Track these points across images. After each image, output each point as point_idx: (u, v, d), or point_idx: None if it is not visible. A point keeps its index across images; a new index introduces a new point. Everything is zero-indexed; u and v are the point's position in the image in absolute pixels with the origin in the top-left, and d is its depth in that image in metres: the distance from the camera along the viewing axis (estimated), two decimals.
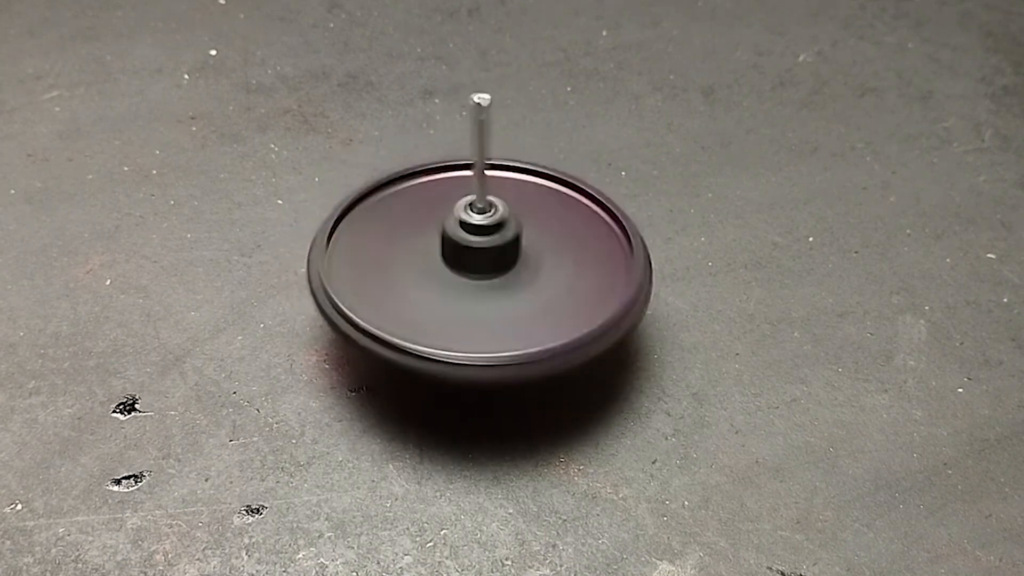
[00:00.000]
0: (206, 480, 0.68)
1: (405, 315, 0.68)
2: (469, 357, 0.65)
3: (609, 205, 0.75)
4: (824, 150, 0.97)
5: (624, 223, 0.74)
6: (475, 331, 0.68)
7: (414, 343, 0.65)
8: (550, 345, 0.65)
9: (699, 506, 0.68)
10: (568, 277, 0.72)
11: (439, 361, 0.65)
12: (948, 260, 0.86)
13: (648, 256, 0.73)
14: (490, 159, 0.70)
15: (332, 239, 0.73)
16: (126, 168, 0.91)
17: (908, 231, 0.88)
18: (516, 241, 0.71)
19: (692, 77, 1.04)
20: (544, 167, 0.79)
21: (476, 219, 0.70)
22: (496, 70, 1.04)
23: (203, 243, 0.84)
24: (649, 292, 0.71)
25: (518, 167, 0.79)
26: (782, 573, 0.65)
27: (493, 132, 0.96)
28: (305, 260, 0.72)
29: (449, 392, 0.73)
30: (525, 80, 1.03)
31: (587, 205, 0.77)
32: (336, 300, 0.68)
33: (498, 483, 0.69)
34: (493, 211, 0.70)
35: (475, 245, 0.70)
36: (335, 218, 0.73)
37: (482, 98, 0.65)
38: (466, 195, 0.70)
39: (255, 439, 0.71)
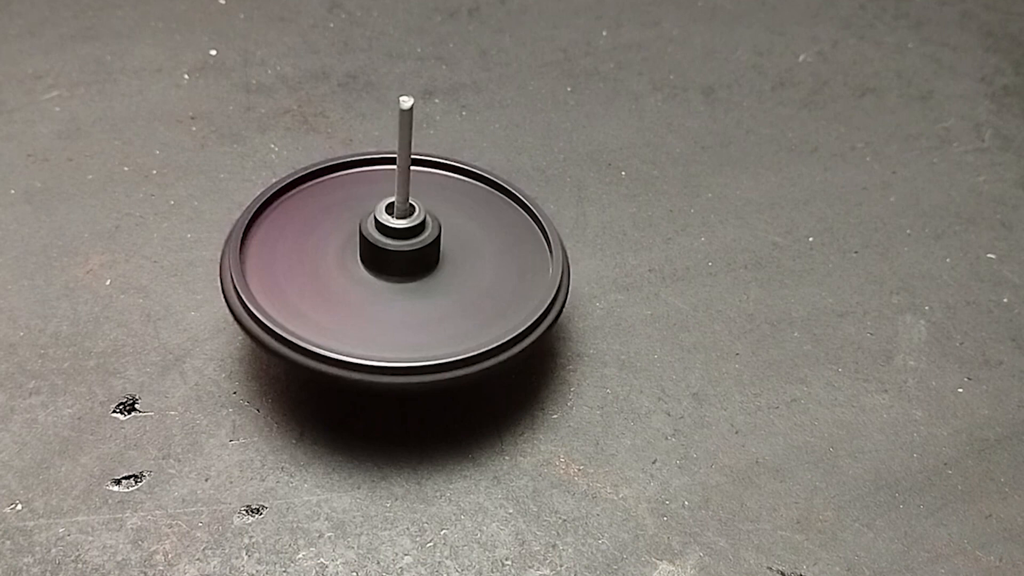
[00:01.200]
0: (206, 480, 0.68)
1: (323, 319, 0.67)
2: (386, 362, 0.64)
3: (528, 203, 0.75)
4: (824, 150, 0.97)
5: (542, 221, 0.74)
6: (394, 335, 0.67)
7: (330, 349, 0.64)
8: (468, 349, 0.65)
9: (699, 506, 0.68)
10: (488, 277, 0.72)
11: (355, 366, 0.64)
12: (948, 260, 0.86)
13: (565, 254, 0.72)
14: (413, 156, 0.69)
15: (247, 238, 0.71)
16: (126, 168, 0.91)
17: (908, 231, 0.88)
18: (435, 244, 0.70)
19: (692, 77, 1.04)
20: (464, 163, 0.79)
21: (395, 222, 0.69)
22: (496, 70, 1.04)
23: (203, 243, 0.84)
24: (567, 291, 0.71)
25: (438, 163, 0.78)
26: (782, 573, 0.65)
27: (493, 132, 0.97)
28: (218, 260, 0.71)
29: (368, 398, 0.72)
30: (525, 80, 1.03)
31: (507, 202, 0.77)
32: (250, 304, 0.66)
33: (498, 483, 0.69)
34: (412, 214, 0.69)
35: (394, 248, 0.69)
36: (250, 216, 0.72)
37: (405, 101, 0.65)
38: (386, 195, 0.70)
39: (255, 439, 0.71)
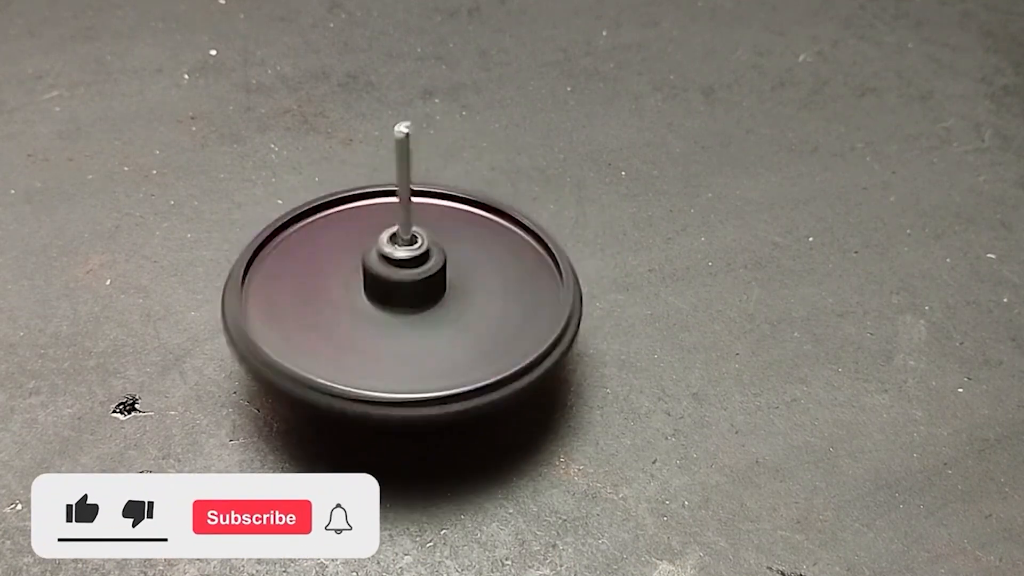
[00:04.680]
0: None
1: (328, 354, 0.66)
2: (391, 396, 0.62)
3: (538, 232, 0.73)
4: (824, 150, 0.97)
5: (553, 249, 0.72)
6: (400, 368, 0.65)
7: (335, 382, 0.62)
8: (475, 382, 0.63)
9: (699, 506, 0.68)
10: (497, 307, 0.70)
11: (360, 400, 0.62)
12: (948, 260, 0.86)
13: (578, 283, 0.70)
14: (413, 186, 0.67)
15: (248, 275, 0.69)
16: (126, 168, 0.91)
17: (908, 231, 0.88)
18: (441, 273, 0.68)
19: (692, 77, 1.04)
20: (468, 193, 0.76)
21: (399, 252, 0.67)
22: (496, 70, 1.04)
23: (203, 243, 0.84)
24: (579, 321, 0.69)
25: (442, 193, 0.76)
26: (782, 573, 0.65)
27: (493, 132, 0.97)
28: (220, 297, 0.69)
29: (370, 431, 0.70)
30: (525, 80, 1.03)
31: (514, 231, 0.74)
32: (253, 340, 0.65)
33: (498, 483, 0.69)
34: (417, 243, 0.67)
35: (399, 279, 0.67)
36: (250, 254, 0.70)
37: (403, 129, 0.63)
38: (389, 226, 0.68)
39: (255, 439, 0.71)
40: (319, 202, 0.75)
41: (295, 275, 0.71)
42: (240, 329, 0.66)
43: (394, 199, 0.68)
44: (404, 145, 0.64)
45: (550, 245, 0.72)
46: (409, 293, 0.68)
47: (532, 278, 0.72)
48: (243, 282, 0.69)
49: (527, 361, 0.65)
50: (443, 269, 0.69)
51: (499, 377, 0.64)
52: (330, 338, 0.67)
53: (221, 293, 0.69)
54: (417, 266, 0.67)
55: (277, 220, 0.73)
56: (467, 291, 0.70)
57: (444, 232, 0.71)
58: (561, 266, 0.71)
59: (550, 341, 0.66)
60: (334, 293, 0.70)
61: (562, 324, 0.67)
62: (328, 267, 0.71)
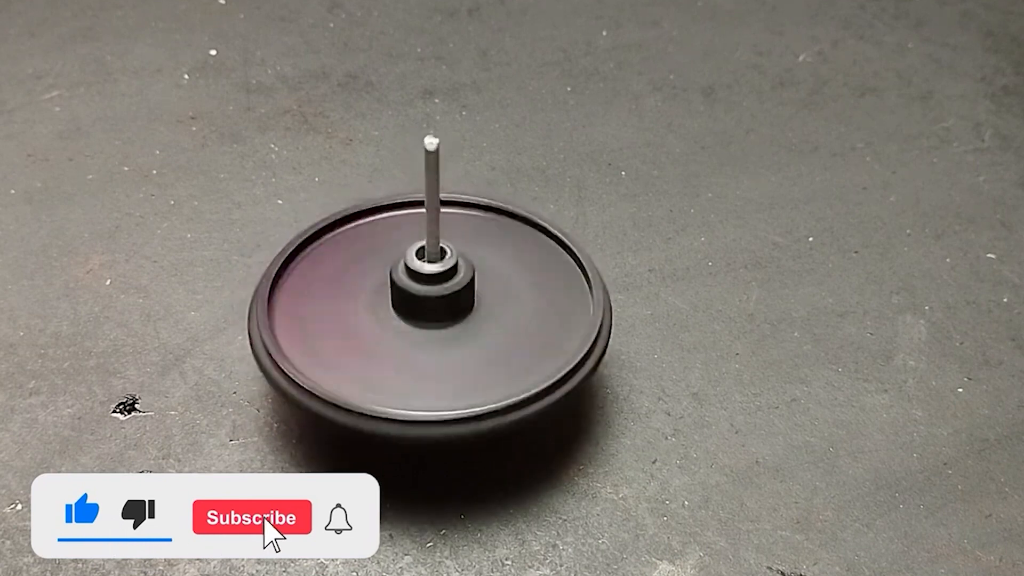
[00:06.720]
0: None
1: (355, 371, 0.65)
2: (420, 415, 0.62)
3: (566, 240, 0.72)
4: (824, 150, 0.97)
5: (581, 259, 0.71)
6: (428, 384, 0.65)
7: (363, 401, 0.62)
8: (501, 400, 0.62)
9: (699, 506, 0.68)
10: (526, 320, 0.69)
11: (392, 420, 0.62)
12: (948, 260, 0.86)
13: (607, 295, 0.70)
14: (442, 196, 0.66)
15: (276, 287, 0.69)
16: (126, 168, 0.91)
17: (908, 231, 0.88)
18: (469, 288, 0.67)
19: (692, 77, 1.04)
20: (500, 203, 0.75)
21: (427, 268, 0.66)
22: (496, 70, 1.04)
23: (203, 243, 0.84)
24: (608, 335, 0.68)
25: (472, 203, 0.75)
26: (782, 573, 0.65)
27: (493, 132, 0.97)
28: (248, 306, 0.69)
29: (401, 450, 0.70)
30: (525, 80, 1.03)
31: (543, 239, 0.74)
32: (279, 359, 0.64)
33: (498, 483, 0.69)
34: (444, 257, 0.67)
35: (426, 295, 0.66)
36: (278, 267, 0.70)
37: (432, 142, 0.62)
38: (417, 239, 0.67)
39: (255, 439, 0.71)
40: (344, 214, 0.74)
41: (323, 288, 0.70)
42: (268, 346, 0.65)
43: (421, 210, 0.66)
44: (434, 159, 0.63)
45: (578, 254, 0.71)
46: (437, 308, 0.67)
47: (562, 289, 0.71)
48: (270, 298, 0.68)
49: (553, 379, 0.64)
50: (471, 283, 0.68)
51: (526, 395, 0.63)
52: (357, 353, 0.66)
53: (247, 310, 0.68)
54: (445, 281, 0.67)
55: (303, 233, 0.72)
56: (496, 303, 0.69)
57: (472, 241, 0.71)
58: (589, 275, 0.70)
59: (577, 359, 0.65)
60: (362, 307, 0.69)
61: (591, 341, 0.66)
62: (357, 280, 0.71)
